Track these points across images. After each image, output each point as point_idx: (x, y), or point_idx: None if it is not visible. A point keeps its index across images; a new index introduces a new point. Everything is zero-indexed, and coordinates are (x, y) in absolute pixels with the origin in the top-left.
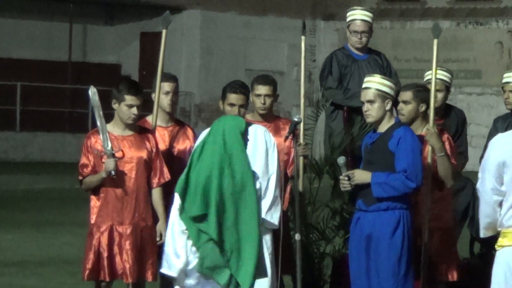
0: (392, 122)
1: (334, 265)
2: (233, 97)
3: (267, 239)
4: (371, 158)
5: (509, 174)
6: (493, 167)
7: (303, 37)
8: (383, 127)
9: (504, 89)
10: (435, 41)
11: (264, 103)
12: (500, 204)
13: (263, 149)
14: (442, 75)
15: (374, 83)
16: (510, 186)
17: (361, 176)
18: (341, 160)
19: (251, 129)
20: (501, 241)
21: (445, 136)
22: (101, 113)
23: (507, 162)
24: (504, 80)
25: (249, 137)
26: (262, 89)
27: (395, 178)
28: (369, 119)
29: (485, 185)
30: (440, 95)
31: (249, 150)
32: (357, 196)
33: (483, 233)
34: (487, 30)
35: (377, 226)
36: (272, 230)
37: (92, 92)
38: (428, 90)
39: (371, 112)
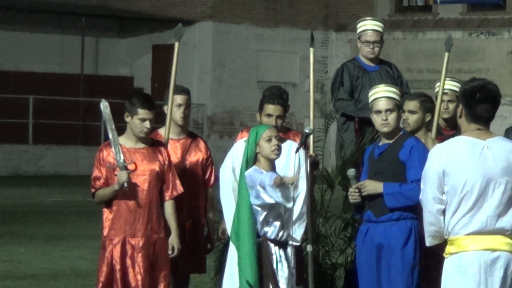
0: (400, 132)
1: (346, 276)
2: (270, 108)
3: (288, 254)
4: (380, 168)
5: (449, 183)
6: (434, 177)
7: (311, 49)
8: (392, 137)
9: None
10: (446, 54)
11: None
12: (443, 213)
13: (296, 165)
14: (453, 85)
15: (391, 92)
16: (452, 194)
17: (373, 186)
18: (351, 172)
19: (285, 145)
20: (448, 248)
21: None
22: (113, 126)
23: (446, 171)
24: None
25: (283, 152)
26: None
27: (409, 188)
28: (386, 129)
29: (427, 195)
30: (451, 106)
31: (281, 165)
32: (364, 207)
33: (429, 242)
34: (499, 41)
35: (389, 237)
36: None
37: (104, 105)
38: (433, 101)
39: (390, 121)
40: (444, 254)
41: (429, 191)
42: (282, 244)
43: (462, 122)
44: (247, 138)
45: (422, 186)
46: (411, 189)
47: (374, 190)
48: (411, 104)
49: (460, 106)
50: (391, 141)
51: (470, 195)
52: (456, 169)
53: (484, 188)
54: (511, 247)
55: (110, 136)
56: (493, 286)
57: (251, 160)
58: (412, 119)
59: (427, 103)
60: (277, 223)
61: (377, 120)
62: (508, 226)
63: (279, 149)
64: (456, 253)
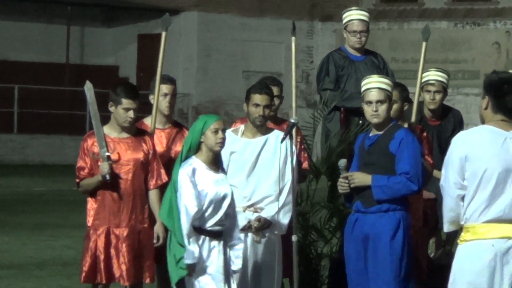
0: (391, 123)
1: (332, 266)
2: (257, 98)
3: (275, 244)
4: (370, 159)
5: (471, 169)
6: (456, 162)
7: (293, 38)
8: (382, 128)
9: None
10: (424, 43)
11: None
12: (463, 199)
13: (283, 155)
14: (440, 76)
15: (383, 83)
16: (471, 181)
17: (362, 178)
18: (342, 163)
19: (272, 134)
20: (463, 236)
21: (424, 135)
22: (96, 109)
23: (468, 157)
24: None
25: (269, 142)
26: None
27: (396, 181)
28: (376, 120)
29: (449, 180)
30: (438, 97)
31: (269, 155)
32: (353, 197)
33: (447, 228)
34: (485, 31)
35: (378, 228)
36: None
37: (88, 87)
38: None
39: (380, 112)
40: (458, 241)
41: (451, 176)
42: (217, 236)
43: (487, 113)
44: (194, 125)
45: (443, 172)
46: (399, 182)
47: (363, 182)
48: (393, 94)
49: (486, 97)
50: (381, 132)
51: (489, 183)
52: (478, 156)
53: (504, 177)
54: None
55: (93, 119)
56: (509, 274)
57: (193, 147)
58: (393, 109)
59: (405, 93)
60: (218, 214)
61: (367, 110)
62: None
63: (223, 142)
64: (471, 240)
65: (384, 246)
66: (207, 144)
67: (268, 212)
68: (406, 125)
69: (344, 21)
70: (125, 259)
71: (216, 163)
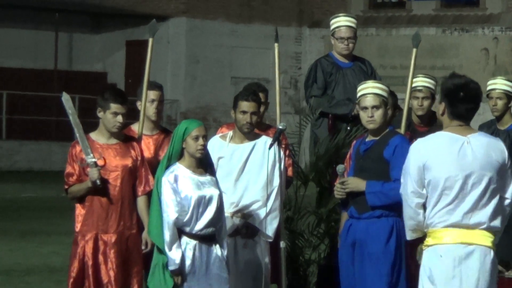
0: (387, 129)
1: (320, 272)
2: (245, 105)
3: (263, 249)
4: (365, 165)
5: (430, 177)
6: (414, 171)
7: (276, 45)
8: (378, 134)
9: (491, 95)
10: (414, 50)
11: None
12: (422, 207)
13: (271, 161)
14: (428, 82)
15: (379, 89)
16: (431, 189)
17: (356, 184)
18: (340, 168)
19: (260, 140)
20: (426, 240)
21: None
22: (77, 120)
23: (426, 165)
24: (490, 87)
25: (257, 148)
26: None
27: (390, 188)
28: (372, 125)
29: (407, 188)
30: (426, 103)
31: (256, 161)
32: (348, 203)
33: (409, 235)
34: (473, 37)
35: (371, 233)
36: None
37: (65, 99)
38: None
39: (376, 118)
40: (423, 247)
41: (409, 185)
42: (209, 239)
43: (445, 118)
44: (175, 130)
45: (402, 180)
46: (393, 188)
47: (357, 188)
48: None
49: (443, 103)
50: (377, 138)
51: (450, 190)
52: (436, 164)
53: (463, 183)
54: (488, 241)
55: (75, 130)
56: (468, 280)
57: (176, 154)
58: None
59: (394, 99)
60: (206, 217)
61: (363, 116)
62: (485, 220)
63: (204, 149)
64: (432, 245)
65: (377, 252)
66: (188, 151)
67: (255, 218)
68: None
69: (332, 27)
70: (113, 265)
71: (202, 166)
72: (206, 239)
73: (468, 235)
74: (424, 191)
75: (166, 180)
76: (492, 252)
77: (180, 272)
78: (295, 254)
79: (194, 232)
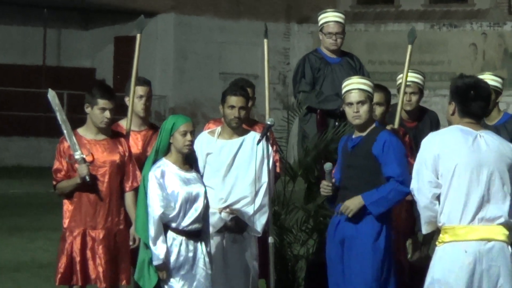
0: (373, 125)
1: (308, 267)
2: (233, 99)
3: (251, 245)
4: (353, 162)
5: (444, 166)
6: (429, 160)
7: (265, 40)
8: (364, 130)
9: None
10: (409, 46)
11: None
12: (437, 198)
13: (259, 157)
14: (416, 77)
15: (364, 84)
16: (445, 178)
17: (354, 204)
18: (328, 166)
19: (249, 136)
20: (442, 237)
21: (407, 137)
22: (64, 116)
23: (440, 155)
24: None
25: (246, 143)
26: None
27: (388, 189)
28: (358, 121)
29: (423, 179)
30: (414, 98)
31: (245, 156)
32: (336, 199)
33: (425, 229)
34: (461, 33)
35: (360, 230)
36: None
37: (51, 95)
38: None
39: (362, 113)
40: (436, 243)
41: (426, 175)
42: (195, 236)
43: (455, 118)
44: (163, 125)
45: (414, 174)
46: (391, 190)
47: (356, 207)
48: (379, 96)
49: (453, 103)
50: (364, 134)
51: (463, 181)
52: (450, 154)
53: (478, 174)
54: (505, 236)
55: (63, 127)
56: (490, 276)
57: (163, 149)
58: (379, 111)
59: (389, 95)
60: (193, 213)
61: (349, 112)
62: (501, 214)
63: (191, 145)
64: (450, 242)
65: (366, 248)
66: (175, 146)
67: (244, 214)
68: (389, 128)
69: (320, 23)
70: (101, 261)
71: (188, 162)
72: (192, 235)
73: (487, 231)
74: (440, 181)
75: (153, 175)
76: (510, 248)
77: (164, 267)
78: (283, 250)
79: (180, 228)
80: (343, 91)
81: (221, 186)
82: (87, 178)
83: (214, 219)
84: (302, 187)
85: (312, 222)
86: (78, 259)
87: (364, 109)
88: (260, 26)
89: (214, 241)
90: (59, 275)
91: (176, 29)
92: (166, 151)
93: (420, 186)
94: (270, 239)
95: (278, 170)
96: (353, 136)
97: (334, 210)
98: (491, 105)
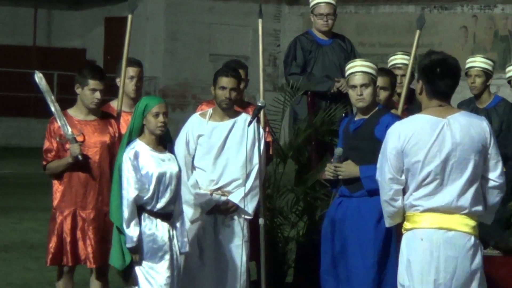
0: (376, 107)
1: (298, 249)
2: (224, 80)
3: (242, 226)
4: (355, 144)
5: (408, 162)
6: (391, 156)
7: (260, 20)
8: (367, 113)
9: (469, 73)
10: (418, 31)
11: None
12: (401, 193)
13: (250, 139)
14: (407, 59)
15: (368, 67)
16: (410, 174)
17: (349, 170)
18: (338, 151)
19: (240, 118)
20: (405, 224)
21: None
22: (52, 97)
23: (405, 150)
24: (469, 65)
25: (237, 125)
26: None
27: None
28: (361, 104)
29: (385, 176)
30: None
31: (236, 138)
32: (338, 183)
33: (388, 222)
34: (452, 15)
35: (363, 212)
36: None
37: (38, 77)
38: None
39: (365, 96)
40: (402, 231)
41: (387, 172)
42: (170, 217)
43: (423, 98)
44: (136, 106)
45: (378, 165)
46: None
47: (351, 174)
48: (384, 80)
49: (420, 82)
50: (366, 117)
51: (429, 175)
52: (415, 149)
53: (442, 168)
54: (468, 227)
55: (52, 108)
56: (447, 266)
57: (136, 130)
58: (383, 96)
59: (392, 78)
60: (168, 195)
61: (352, 95)
62: (466, 205)
63: (164, 126)
64: (410, 229)
65: (368, 229)
66: (148, 128)
67: (235, 196)
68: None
69: (311, 4)
70: (91, 241)
71: (162, 143)
72: (167, 216)
73: (447, 220)
74: (403, 177)
75: (127, 156)
76: (472, 238)
77: (137, 249)
78: (274, 232)
79: (155, 210)
80: (347, 73)
81: (212, 168)
82: (80, 157)
83: (205, 200)
84: (293, 169)
85: (302, 204)
86: (68, 239)
87: (367, 92)
88: (250, 8)
89: (205, 223)
90: (50, 255)
91: (166, 10)
92: (139, 133)
93: (382, 182)
94: (261, 221)
95: (270, 152)
96: (355, 119)
97: (337, 193)
98: (481, 87)
